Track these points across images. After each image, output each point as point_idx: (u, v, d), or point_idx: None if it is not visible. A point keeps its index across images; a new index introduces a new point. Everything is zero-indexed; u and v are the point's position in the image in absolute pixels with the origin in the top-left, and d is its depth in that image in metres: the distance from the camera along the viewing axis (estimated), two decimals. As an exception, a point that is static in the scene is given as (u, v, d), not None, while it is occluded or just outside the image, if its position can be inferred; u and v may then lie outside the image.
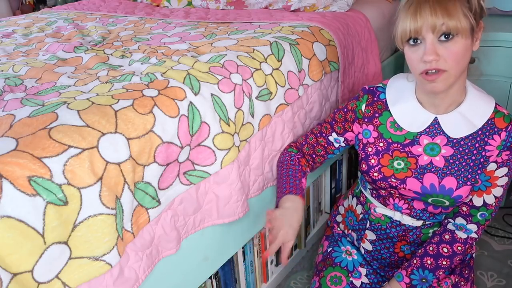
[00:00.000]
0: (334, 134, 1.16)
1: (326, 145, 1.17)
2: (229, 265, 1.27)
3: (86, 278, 0.76)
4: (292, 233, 1.01)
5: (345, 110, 1.13)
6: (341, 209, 1.31)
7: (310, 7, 1.67)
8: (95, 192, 0.75)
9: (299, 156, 1.19)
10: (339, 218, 1.32)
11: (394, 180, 1.05)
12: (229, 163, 1.02)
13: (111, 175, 0.77)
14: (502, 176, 1.00)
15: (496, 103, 1.00)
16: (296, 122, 1.28)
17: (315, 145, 1.18)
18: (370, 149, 1.08)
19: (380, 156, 1.06)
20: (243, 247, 1.31)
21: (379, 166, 1.06)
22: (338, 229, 1.31)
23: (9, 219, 0.65)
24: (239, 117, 1.06)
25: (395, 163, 1.05)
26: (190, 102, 0.95)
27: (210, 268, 1.15)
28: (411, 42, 0.91)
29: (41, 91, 0.98)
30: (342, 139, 1.16)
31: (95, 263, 0.76)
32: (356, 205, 1.22)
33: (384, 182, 1.06)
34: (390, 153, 1.06)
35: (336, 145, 1.17)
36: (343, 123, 1.14)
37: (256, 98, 1.12)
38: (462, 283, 1.14)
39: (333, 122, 1.16)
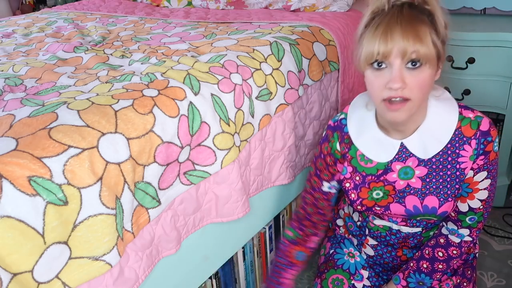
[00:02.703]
0: (325, 183, 1.11)
1: (325, 196, 1.14)
2: (229, 265, 1.27)
3: (86, 278, 0.76)
4: None
5: (322, 156, 1.08)
6: (341, 213, 1.31)
7: (310, 7, 1.67)
8: (95, 192, 0.75)
9: (289, 246, 1.18)
10: (339, 222, 1.31)
11: (378, 208, 1.03)
12: (230, 163, 1.02)
13: (111, 175, 0.77)
14: (483, 180, 0.97)
15: (460, 107, 0.96)
16: (297, 122, 1.28)
17: (316, 202, 1.15)
18: (348, 184, 1.06)
19: (359, 190, 1.04)
20: (243, 247, 1.31)
21: (360, 199, 1.04)
22: (340, 231, 1.30)
23: (9, 219, 0.65)
24: (239, 117, 1.06)
25: (374, 194, 1.03)
26: (190, 102, 0.95)
27: (210, 268, 1.15)
28: (376, 65, 0.85)
29: (41, 91, 0.98)
30: (334, 183, 1.11)
31: (95, 263, 0.76)
32: (353, 212, 1.21)
33: (369, 212, 1.05)
34: (366, 185, 1.03)
35: (333, 191, 1.13)
36: (327, 169, 1.09)
37: (256, 98, 1.12)
38: (465, 283, 1.13)
39: (318, 172, 1.11)
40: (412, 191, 1.00)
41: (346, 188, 1.06)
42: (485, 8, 1.95)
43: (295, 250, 1.18)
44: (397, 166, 1.00)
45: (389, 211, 1.03)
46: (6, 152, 0.69)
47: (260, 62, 1.15)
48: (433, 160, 0.97)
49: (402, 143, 0.97)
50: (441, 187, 0.98)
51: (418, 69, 0.83)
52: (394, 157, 0.99)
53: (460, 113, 0.95)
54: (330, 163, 1.08)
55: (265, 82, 1.14)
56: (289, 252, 1.18)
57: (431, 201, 0.99)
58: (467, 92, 1.71)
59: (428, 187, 0.98)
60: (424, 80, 0.84)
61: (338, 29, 1.43)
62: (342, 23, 1.48)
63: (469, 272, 1.15)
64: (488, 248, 1.62)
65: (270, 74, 1.16)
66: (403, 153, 0.98)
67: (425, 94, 0.87)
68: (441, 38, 0.85)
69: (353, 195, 1.05)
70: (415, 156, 0.97)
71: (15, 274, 0.67)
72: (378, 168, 1.01)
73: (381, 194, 1.02)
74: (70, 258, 0.74)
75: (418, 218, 1.03)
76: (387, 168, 1.00)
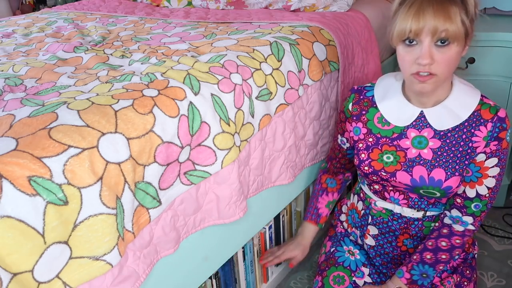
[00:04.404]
0: (339, 136, 1.24)
1: (339, 148, 1.26)
2: (229, 265, 1.27)
3: (86, 277, 0.76)
4: (297, 250, 1.33)
5: (339, 111, 1.22)
6: (344, 208, 1.33)
7: (310, 7, 1.67)
8: (95, 192, 0.75)
9: (321, 174, 1.35)
10: (342, 218, 1.33)
11: (384, 174, 1.08)
12: (230, 163, 1.02)
13: (111, 174, 0.77)
14: (493, 167, 1.01)
15: (482, 96, 1.02)
16: (297, 122, 1.28)
17: (334, 149, 1.29)
18: (361, 145, 1.13)
19: (370, 151, 1.11)
20: (243, 247, 1.31)
21: (369, 160, 1.10)
22: (341, 227, 1.32)
23: (9, 219, 0.65)
24: (239, 117, 1.06)
25: (384, 157, 1.09)
26: (190, 102, 0.95)
27: (210, 268, 1.15)
28: (407, 42, 0.93)
29: (41, 91, 0.98)
30: (345, 139, 1.21)
31: (96, 263, 0.76)
32: (357, 202, 1.24)
33: (375, 176, 1.10)
34: (379, 147, 1.10)
35: (345, 146, 1.23)
36: (340, 124, 1.22)
37: (256, 98, 1.12)
38: (465, 283, 1.14)
39: (337, 124, 1.24)
40: (421, 162, 1.05)
41: (359, 148, 1.14)
42: (485, 8, 1.96)
43: (326, 177, 1.34)
44: (412, 133, 1.06)
45: (394, 178, 1.07)
46: (6, 152, 0.69)
47: (260, 62, 1.15)
48: (448, 134, 1.03)
49: (422, 111, 1.04)
50: (450, 161, 1.02)
51: (447, 47, 0.90)
52: (412, 123, 1.06)
53: (481, 99, 1.02)
54: (342, 119, 1.20)
55: (265, 82, 1.14)
56: (321, 179, 1.35)
57: (438, 174, 1.03)
58: (467, 92, 1.71)
59: (438, 159, 1.03)
60: (451, 57, 0.92)
61: (338, 29, 1.43)
62: (342, 23, 1.48)
63: (467, 272, 1.16)
64: (488, 248, 1.62)
65: (270, 74, 1.16)
66: (421, 122, 1.05)
67: (451, 69, 0.95)
68: (470, 16, 0.92)
69: (363, 155, 1.12)
70: (431, 128, 1.04)
71: (15, 274, 0.67)
72: (394, 132, 1.08)
73: (392, 158, 1.08)
74: (70, 258, 0.74)
75: (421, 191, 1.06)
76: (402, 133, 1.07)
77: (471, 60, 1.68)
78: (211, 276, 1.20)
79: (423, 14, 0.89)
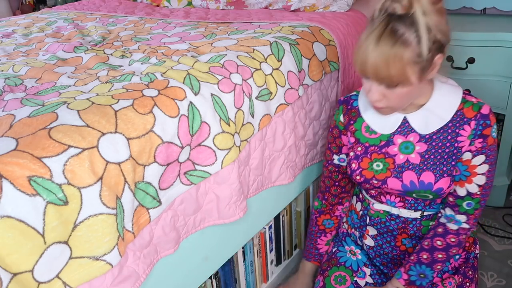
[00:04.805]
0: (335, 156, 1.20)
1: (337, 169, 1.22)
2: (229, 265, 1.27)
3: (86, 277, 0.76)
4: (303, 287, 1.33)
5: (330, 129, 1.19)
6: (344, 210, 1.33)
7: (310, 7, 1.67)
8: (95, 192, 0.75)
9: (317, 215, 1.30)
10: (343, 218, 1.33)
11: (376, 182, 1.08)
12: (230, 163, 1.02)
13: (111, 174, 0.77)
14: (481, 164, 1.00)
15: (465, 93, 1.01)
16: (297, 122, 1.28)
17: (331, 175, 1.23)
18: (352, 153, 1.13)
19: (360, 160, 1.10)
20: (243, 247, 1.31)
21: (360, 169, 1.10)
22: (343, 227, 1.32)
23: (9, 219, 0.65)
24: (239, 117, 1.06)
25: (374, 165, 1.08)
26: (190, 102, 0.95)
27: (210, 268, 1.15)
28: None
29: (41, 91, 0.98)
30: (344, 156, 1.19)
31: (96, 263, 0.76)
32: (356, 203, 1.24)
33: (367, 184, 1.10)
34: (368, 156, 1.09)
35: (344, 164, 1.20)
36: (334, 142, 1.19)
37: (256, 98, 1.12)
38: (468, 283, 1.14)
39: (329, 145, 1.21)
40: (410, 167, 1.05)
41: (349, 157, 1.13)
42: (485, 8, 1.96)
43: (323, 219, 1.30)
44: (399, 139, 1.06)
45: (385, 185, 1.08)
46: (6, 152, 0.69)
47: (260, 62, 1.15)
48: (434, 137, 1.02)
49: (405, 117, 1.04)
50: (438, 163, 1.02)
51: (395, 88, 0.90)
52: (397, 129, 1.06)
53: (464, 98, 1.01)
54: (336, 135, 1.17)
55: (265, 82, 1.14)
56: (318, 221, 1.30)
57: (428, 177, 1.03)
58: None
59: (426, 163, 1.03)
60: (401, 94, 0.91)
61: (338, 29, 1.43)
62: (342, 23, 1.48)
63: (470, 272, 1.16)
64: (488, 248, 1.62)
65: (270, 74, 1.16)
66: (406, 127, 1.05)
67: (406, 101, 0.95)
68: (427, 51, 0.86)
69: (353, 165, 1.12)
70: (416, 132, 1.04)
71: (15, 274, 0.67)
72: (381, 139, 1.08)
73: (381, 166, 1.07)
74: (70, 258, 0.74)
75: (414, 195, 1.06)
76: (389, 140, 1.07)
77: (471, 60, 1.68)
78: (211, 276, 1.20)
79: (368, 59, 0.87)
